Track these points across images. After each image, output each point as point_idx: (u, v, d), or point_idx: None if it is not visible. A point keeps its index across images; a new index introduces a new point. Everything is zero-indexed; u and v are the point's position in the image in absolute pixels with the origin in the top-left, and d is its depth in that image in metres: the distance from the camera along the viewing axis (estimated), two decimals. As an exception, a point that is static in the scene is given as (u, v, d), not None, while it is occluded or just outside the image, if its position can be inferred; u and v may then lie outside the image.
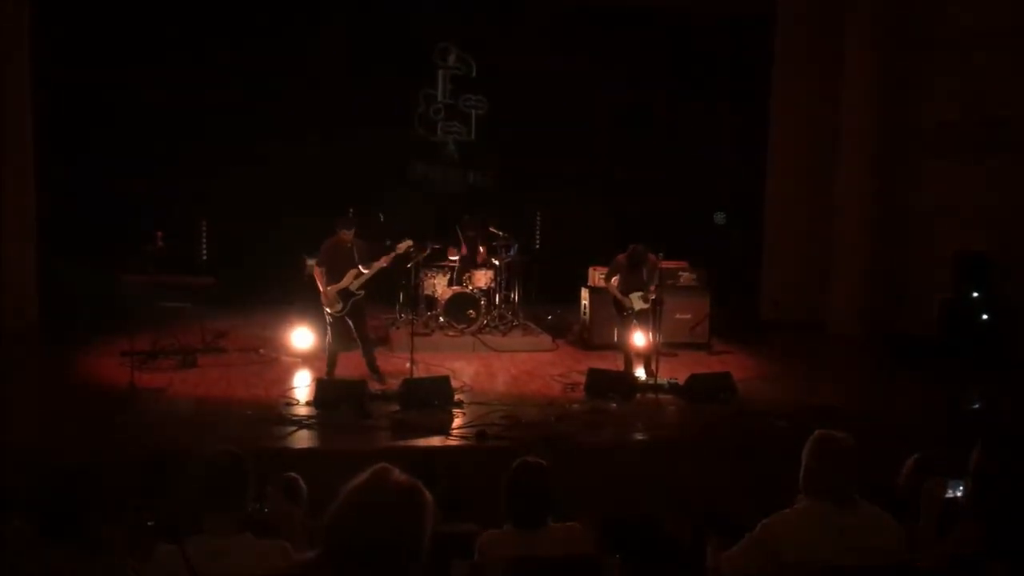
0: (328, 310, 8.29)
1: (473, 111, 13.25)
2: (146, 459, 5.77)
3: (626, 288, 8.57)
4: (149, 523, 4.03)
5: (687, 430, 7.44)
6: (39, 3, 10.80)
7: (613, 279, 8.71)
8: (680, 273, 10.52)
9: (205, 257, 10.44)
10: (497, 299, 10.62)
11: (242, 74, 11.74)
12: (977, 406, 8.08)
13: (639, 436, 7.23)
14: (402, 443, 6.66)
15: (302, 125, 11.91)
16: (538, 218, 12.00)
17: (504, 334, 10.33)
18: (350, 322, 8.34)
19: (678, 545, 4.04)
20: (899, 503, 3.78)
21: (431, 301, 10.52)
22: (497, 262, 10.56)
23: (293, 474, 4.45)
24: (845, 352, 11.41)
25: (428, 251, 9.76)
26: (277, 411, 7.32)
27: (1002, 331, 10.20)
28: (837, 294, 12.29)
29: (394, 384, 8.00)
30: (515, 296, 10.85)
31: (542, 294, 11.47)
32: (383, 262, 8.27)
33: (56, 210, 10.92)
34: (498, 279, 10.57)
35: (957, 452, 3.70)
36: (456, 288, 10.28)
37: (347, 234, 8.19)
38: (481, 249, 10.77)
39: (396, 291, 10.54)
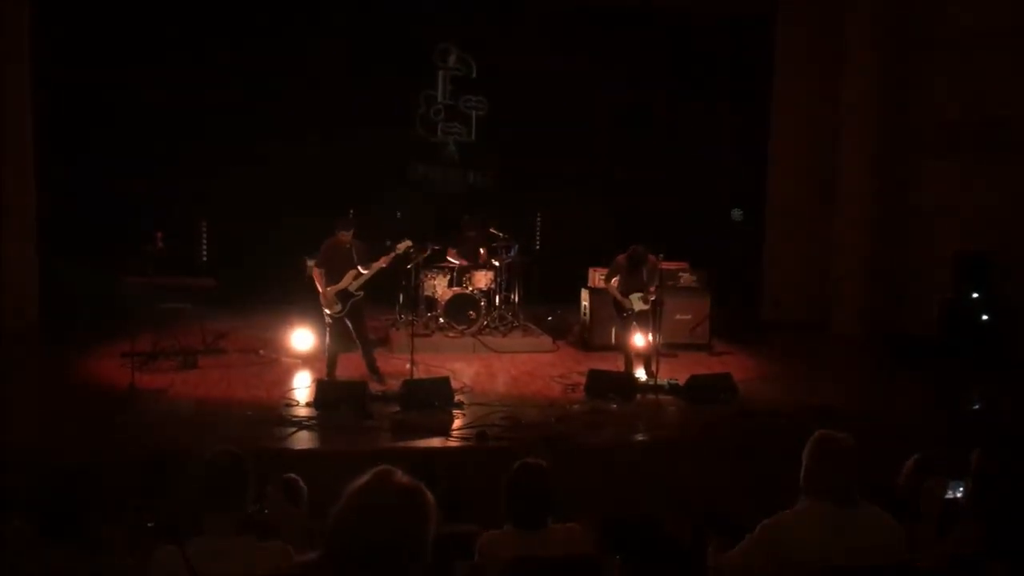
0: (327, 311, 8.29)
1: (473, 112, 13.26)
2: (146, 459, 5.77)
3: (626, 289, 8.57)
4: (149, 524, 4.03)
5: (687, 431, 7.43)
6: (39, 3, 10.80)
7: (613, 280, 8.71)
8: (680, 274, 10.51)
9: (205, 258, 10.44)
10: (497, 300, 10.61)
11: (242, 74, 11.73)
12: (977, 406, 8.09)
13: (639, 437, 7.23)
14: (402, 444, 6.66)
15: (302, 125, 11.90)
16: (538, 219, 12.00)
17: (504, 335, 10.33)
18: (349, 323, 8.33)
19: (678, 546, 4.04)
20: (899, 503, 3.79)
21: (431, 302, 10.52)
22: (497, 263, 10.56)
23: (293, 475, 4.47)
24: (845, 352, 11.41)
25: (428, 252, 9.75)
26: (277, 412, 7.31)
27: (1002, 331, 10.20)
28: (837, 294, 12.29)
29: (394, 385, 7.99)
30: (515, 297, 10.84)
31: (542, 295, 11.46)
32: (382, 263, 8.25)
33: (56, 210, 10.93)
34: (498, 280, 10.57)
35: (957, 452, 3.71)
36: (456, 289, 10.28)
37: (346, 235, 8.18)
38: (481, 250, 10.76)
39: (396, 292, 10.54)
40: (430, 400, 7.53)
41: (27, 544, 3.09)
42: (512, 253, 10.67)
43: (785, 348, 10.98)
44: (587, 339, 10.39)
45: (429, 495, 2.02)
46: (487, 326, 10.29)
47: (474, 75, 13.15)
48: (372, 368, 8.45)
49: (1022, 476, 3.19)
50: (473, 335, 10.04)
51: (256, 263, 11.38)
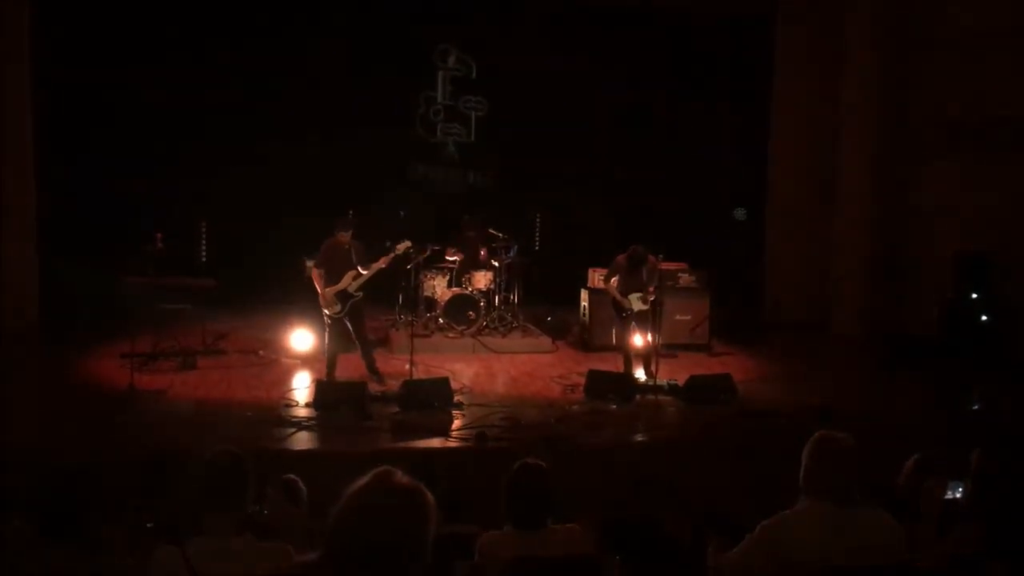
0: (326, 312, 8.28)
1: (473, 112, 13.26)
2: (146, 459, 5.77)
3: (625, 289, 8.57)
4: (149, 524, 4.03)
5: (687, 431, 7.43)
6: (39, 3, 10.80)
7: (612, 280, 8.71)
8: (680, 274, 10.51)
9: (205, 258, 10.44)
10: (497, 300, 10.61)
11: (242, 74, 11.73)
12: (977, 406, 8.08)
13: (639, 437, 7.23)
14: (402, 445, 6.66)
15: (302, 125, 11.90)
16: (538, 219, 11.99)
17: (504, 335, 10.33)
18: (348, 324, 8.32)
19: (678, 546, 4.04)
20: (899, 503, 3.79)
21: (431, 302, 10.51)
22: (497, 263, 10.55)
23: (292, 476, 4.47)
24: (845, 352, 11.41)
25: (428, 252, 9.74)
26: (277, 413, 7.31)
27: (1002, 331, 10.20)
28: (837, 294, 12.29)
29: (394, 385, 7.99)
30: (515, 297, 10.84)
31: (542, 295, 11.46)
32: (382, 263, 8.25)
33: (56, 210, 10.91)
34: (498, 280, 10.56)
35: (957, 452, 3.70)
36: (456, 289, 10.27)
37: (345, 235, 8.17)
38: (482, 250, 10.76)
39: (396, 292, 10.54)
40: (430, 401, 7.53)
41: (27, 544, 3.09)
42: (512, 253, 10.67)
43: (785, 348, 10.98)
44: (587, 340, 10.39)
45: (429, 496, 2.02)
46: (487, 327, 10.29)
47: (474, 75, 13.14)
48: (372, 368, 8.45)
49: (1022, 476, 3.18)
50: (473, 336, 10.03)
51: (256, 263, 11.37)
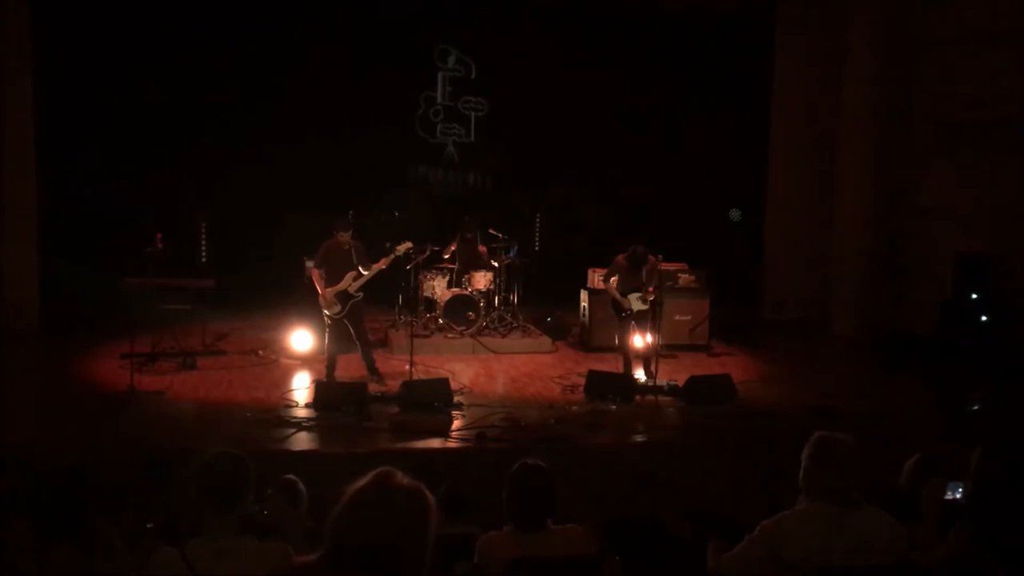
0: (326, 312, 8.28)
1: (473, 113, 13.25)
2: (146, 459, 5.77)
3: (625, 289, 8.56)
4: (149, 524, 4.03)
5: (687, 432, 7.44)
6: (39, 3, 10.80)
7: (612, 279, 8.70)
8: (680, 275, 10.50)
9: (204, 259, 10.44)
10: (496, 301, 10.61)
11: (242, 74, 11.72)
12: (977, 406, 8.08)
13: (639, 438, 7.23)
14: (402, 445, 6.66)
15: (302, 126, 11.89)
16: (538, 219, 11.99)
17: (503, 336, 10.33)
18: (348, 324, 8.33)
19: (678, 546, 4.04)
20: (899, 503, 3.79)
21: (430, 303, 10.51)
22: (496, 264, 10.55)
23: (292, 476, 4.47)
24: (845, 352, 11.41)
25: (427, 253, 9.73)
26: (277, 413, 7.32)
27: (1002, 331, 10.20)
28: (837, 294, 12.29)
29: (394, 386, 8.00)
30: (514, 298, 10.84)
31: (542, 296, 11.46)
32: (382, 264, 8.25)
33: (57, 210, 10.93)
34: (497, 281, 10.56)
35: (957, 453, 3.70)
36: (455, 290, 10.27)
37: (345, 236, 8.18)
38: (482, 251, 10.76)
39: (395, 293, 10.54)
40: (429, 401, 7.53)
41: (27, 544, 3.09)
42: (511, 254, 10.67)
43: (785, 349, 10.98)
44: (586, 340, 10.39)
45: (430, 496, 2.02)
46: (486, 327, 10.28)
47: (473, 76, 13.14)
48: (371, 369, 8.45)
49: (1022, 476, 3.18)
50: (472, 336, 10.03)
51: (256, 263, 11.37)
